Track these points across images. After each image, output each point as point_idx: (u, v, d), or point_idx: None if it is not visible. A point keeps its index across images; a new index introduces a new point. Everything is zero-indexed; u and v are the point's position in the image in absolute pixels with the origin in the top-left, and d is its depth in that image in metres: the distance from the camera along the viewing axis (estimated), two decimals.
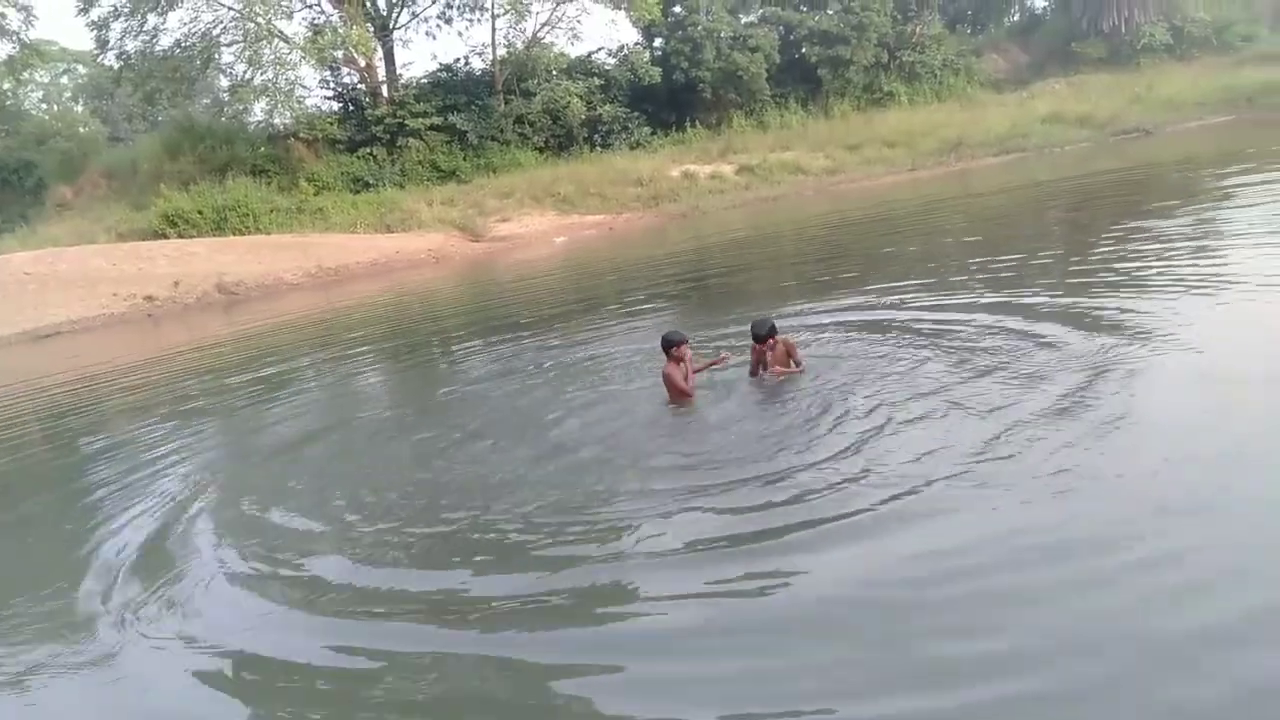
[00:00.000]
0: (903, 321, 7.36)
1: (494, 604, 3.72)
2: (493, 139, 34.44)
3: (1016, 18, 50.92)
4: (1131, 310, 6.40)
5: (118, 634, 3.99)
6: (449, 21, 37.64)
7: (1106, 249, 9.56)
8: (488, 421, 6.64)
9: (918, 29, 40.95)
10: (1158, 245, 9.00)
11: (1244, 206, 11.05)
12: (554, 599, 3.66)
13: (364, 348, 12.21)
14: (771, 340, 5.99)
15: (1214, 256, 8.16)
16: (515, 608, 3.67)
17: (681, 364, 5.79)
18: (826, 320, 7.95)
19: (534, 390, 7.37)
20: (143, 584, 4.54)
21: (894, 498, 3.96)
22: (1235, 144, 20.52)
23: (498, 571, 4.02)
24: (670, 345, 5.76)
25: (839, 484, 4.20)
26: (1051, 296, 7.36)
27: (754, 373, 6.17)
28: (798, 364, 6.10)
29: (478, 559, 4.17)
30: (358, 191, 31.04)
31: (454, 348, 11.06)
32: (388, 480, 5.59)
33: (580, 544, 4.09)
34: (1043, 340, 5.98)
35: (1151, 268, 7.89)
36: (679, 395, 5.83)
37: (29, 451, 8.70)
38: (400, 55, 40.59)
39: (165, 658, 3.72)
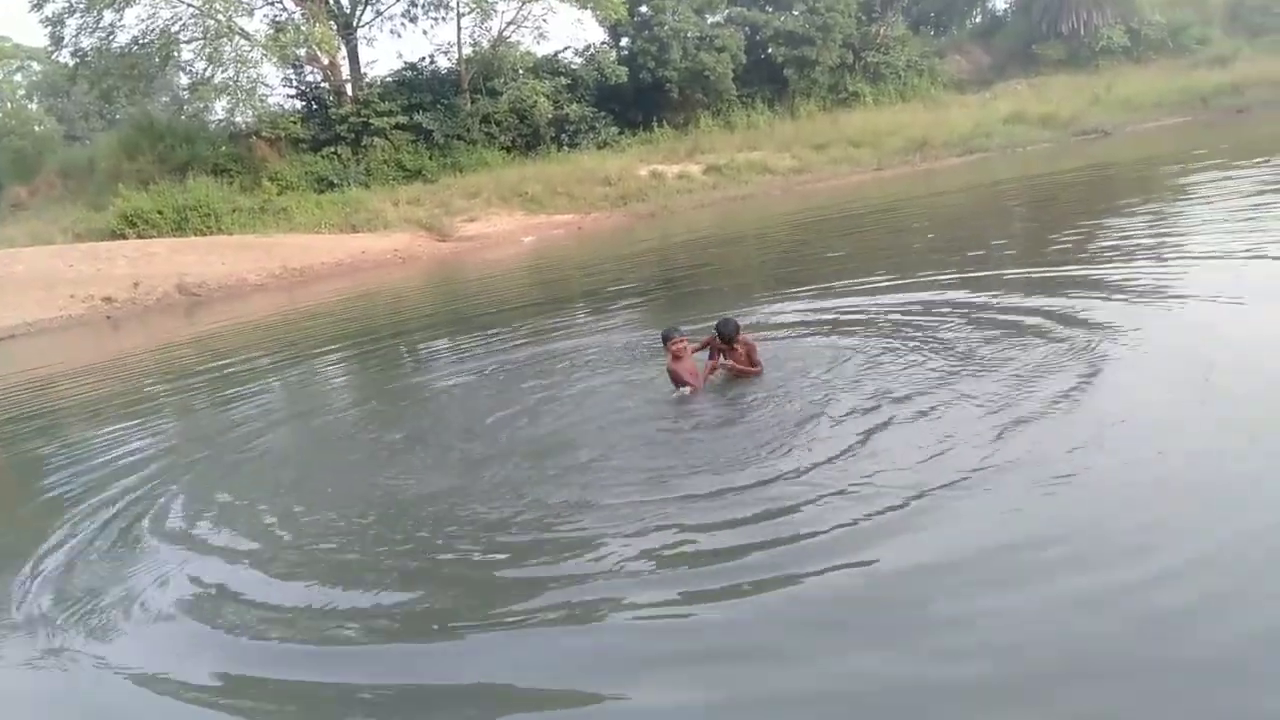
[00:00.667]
0: (873, 318, 7.39)
1: (453, 624, 3.47)
2: (459, 138, 34.21)
3: (978, 20, 51.60)
4: (1100, 306, 6.43)
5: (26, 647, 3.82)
6: (414, 20, 37.40)
7: (1073, 245, 9.69)
8: (445, 424, 6.57)
9: (882, 30, 41.38)
10: (1123, 242, 9.15)
11: (1202, 202, 11.31)
12: (512, 617, 3.43)
13: (327, 348, 12.04)
14: (737, 340, 5.97)
15: (1175, 255, 8.29)
16: (477, 624, 3.47)
17: (681, 358, 5.91)
18: (794, 318, 7.99)
19: (501, 389, 7.30)
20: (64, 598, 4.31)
21: (885, 509, 3.71)
22: (1190, 143, 20.94)
23: (458, 588, 3.79)
24: (665, 340, 5.94)
25: (823, 495, 3.96)
26: (1022, 294, 7.42)
27: (711, 371, 6.08)
28: (755, 365, 6.02)
29: (439, 574, 3.93)
30: (322, 191, 30.69)
31: (419, 347, 10.94)
32: (337, 488, 5.38)
33: (547, 557, 3.85)
34: (1023, 334, 5.99)
35: (1119, 264, 8.01)
36: (682, 383, 5.93)
37: None
38: (365, 53, 40.18)
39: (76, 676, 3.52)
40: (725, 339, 5.94)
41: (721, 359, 6.00)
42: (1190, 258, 7.84)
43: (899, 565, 3.33)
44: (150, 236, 25.83)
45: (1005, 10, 49.89)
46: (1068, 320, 6.10)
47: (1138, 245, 8.76)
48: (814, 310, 8.21)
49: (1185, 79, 35.84)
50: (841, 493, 3.95)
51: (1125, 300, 6.52)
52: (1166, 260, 7.80)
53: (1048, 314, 6.37)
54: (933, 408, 4.86)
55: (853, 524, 3.65)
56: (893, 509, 3.72)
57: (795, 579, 3.31)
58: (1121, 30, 41.02)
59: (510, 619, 3.41)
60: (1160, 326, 5.75)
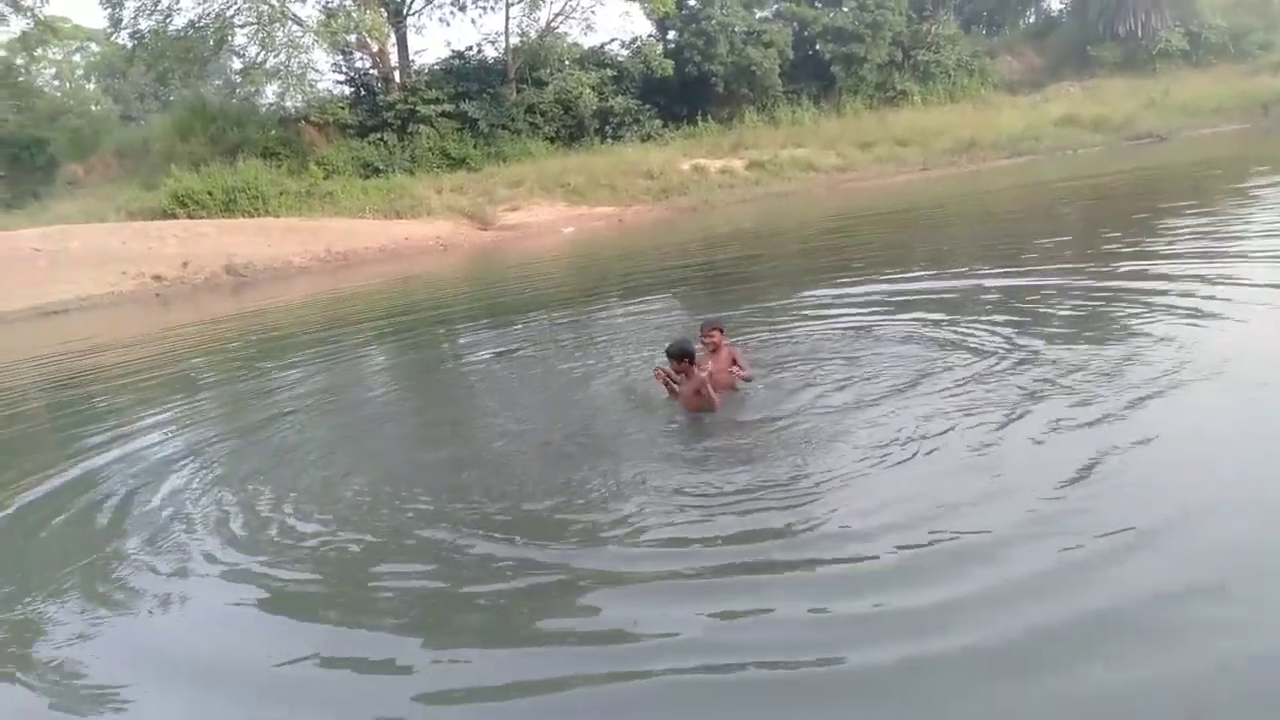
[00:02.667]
0: (916, 320, 7.32)
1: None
2: (504, 128, 34.38)
3: (1032, 20, 50.78)
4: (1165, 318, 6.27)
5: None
6: (463, 9, 37.62)
7: (1127, 248, 9.51)
8: (484, 410, 6.64)
9: (933, 28, 40.80)
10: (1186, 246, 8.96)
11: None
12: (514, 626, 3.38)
13: (369, 332, 12.21)
14: (713, 340, 5.65)
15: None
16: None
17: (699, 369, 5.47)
18: (831, 316, 7.94)
19: (540, 376, 7.36)
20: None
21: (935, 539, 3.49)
22: (1250, 151, 20.39)
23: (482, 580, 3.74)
24: (684, 356, 5.43)
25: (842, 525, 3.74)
26: (1075, 300, 7.28)
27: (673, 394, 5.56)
28: (743, 374, 5.66)
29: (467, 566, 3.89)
30: (367, 177, 31.03)
31: (460, 339, 11.04)
32: (376, 471, 5.37)
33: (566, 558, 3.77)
34: (1069, 347, 5.88)
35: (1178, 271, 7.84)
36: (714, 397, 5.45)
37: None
38: (413, 41, 40.55)
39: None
40: (676, 357, 5.40)
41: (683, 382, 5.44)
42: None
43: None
44: (200, 217, 26.32)
45: (1060, 11, 49.10)
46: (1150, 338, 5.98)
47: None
48: (854, 308, 8.15)
49: (1246, 85, 34.89)
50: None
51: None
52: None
53: (1108, 321, 6.26)
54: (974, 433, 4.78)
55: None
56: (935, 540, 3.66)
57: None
58: (1181, 33, 40.04)
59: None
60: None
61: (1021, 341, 5.99)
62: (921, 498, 3.83)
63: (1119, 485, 3.71)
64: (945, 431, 4.54)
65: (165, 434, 7.02)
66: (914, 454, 4.31)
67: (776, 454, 4.58)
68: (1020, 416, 4.62)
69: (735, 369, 5.69)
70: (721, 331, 5.74)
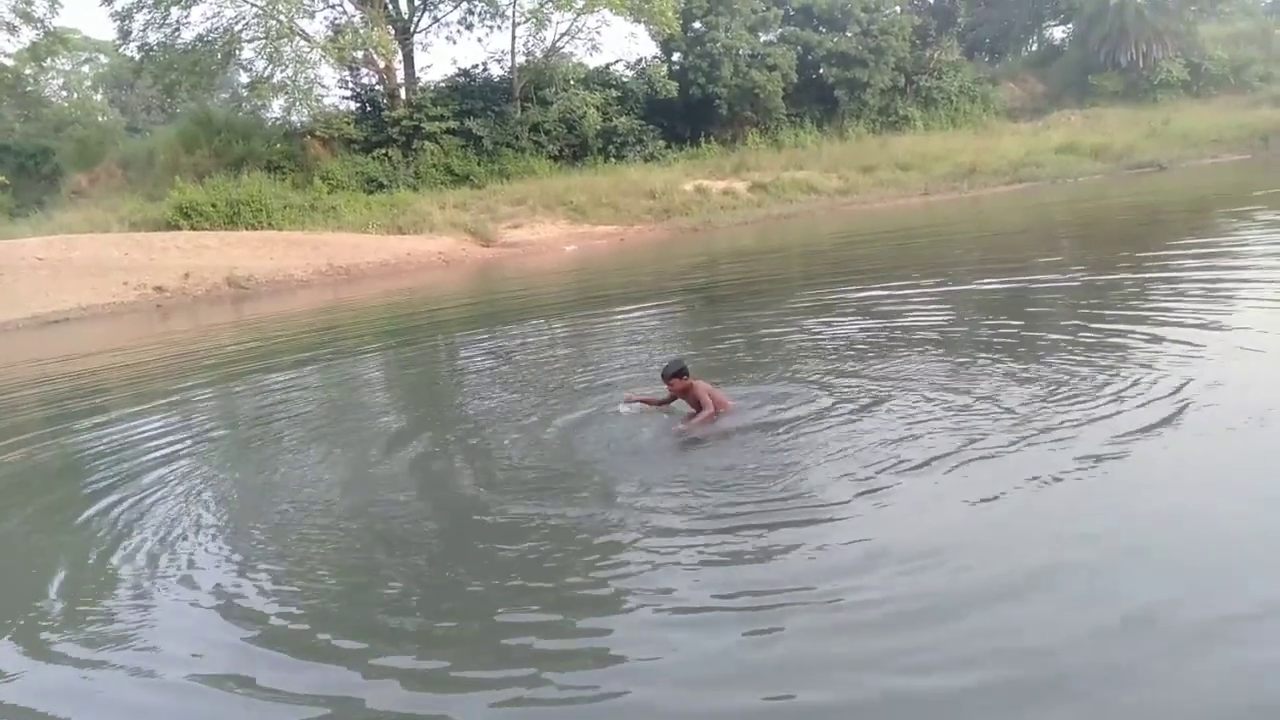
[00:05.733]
0: (920, 338, 7.34)
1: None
2: (508, 145, 34.56)
3: (1034, 48, 51.19)
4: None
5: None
6: (470, 27, 37.87)
7: (1131, 276, 9.55)
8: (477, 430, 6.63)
9: (936, 55, 41.13)
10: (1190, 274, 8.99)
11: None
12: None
13: (367, 346, 12.22)
14: (680, 383, 5.64)
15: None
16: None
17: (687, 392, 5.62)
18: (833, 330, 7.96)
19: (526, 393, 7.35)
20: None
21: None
22: (1248, 181, 20.51)
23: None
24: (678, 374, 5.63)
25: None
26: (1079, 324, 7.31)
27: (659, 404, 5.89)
28: (707, 409, 5.56)
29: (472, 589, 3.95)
30: (371, 192, 31.17)
31: (459, 354, 11.06)
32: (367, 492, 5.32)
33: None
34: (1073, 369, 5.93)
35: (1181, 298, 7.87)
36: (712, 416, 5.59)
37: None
38: (420, 58, 40.70)
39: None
40: (664, 378, 5.68)
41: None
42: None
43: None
44: (203, 229, 26.39)
45: (1062, 40, 49.49)
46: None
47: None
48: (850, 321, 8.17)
49: (1246, 116, 35.17)
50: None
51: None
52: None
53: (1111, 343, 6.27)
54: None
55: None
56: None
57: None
58: (1182, 64, 40.40)
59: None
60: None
61: (1030, 366, 6.00)
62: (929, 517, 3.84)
63: (1122, 501, 3.72)
64: (952, 451, 4.54)
65: (160, 435, 7.02)
66: (926, 470, 4.32)
67: (786, 471, 4.61)
68: (1030, 440, 4.61)
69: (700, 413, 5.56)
70: (680, 376, 5.63)
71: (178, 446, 6.95)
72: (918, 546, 3.60)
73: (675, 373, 5.64)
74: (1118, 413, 4.84)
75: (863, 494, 4.21)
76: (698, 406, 5.57)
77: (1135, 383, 5.29)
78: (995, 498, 4.00)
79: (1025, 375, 5.81)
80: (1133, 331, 6.61)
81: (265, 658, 3.40)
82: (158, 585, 4.20)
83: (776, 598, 3.34)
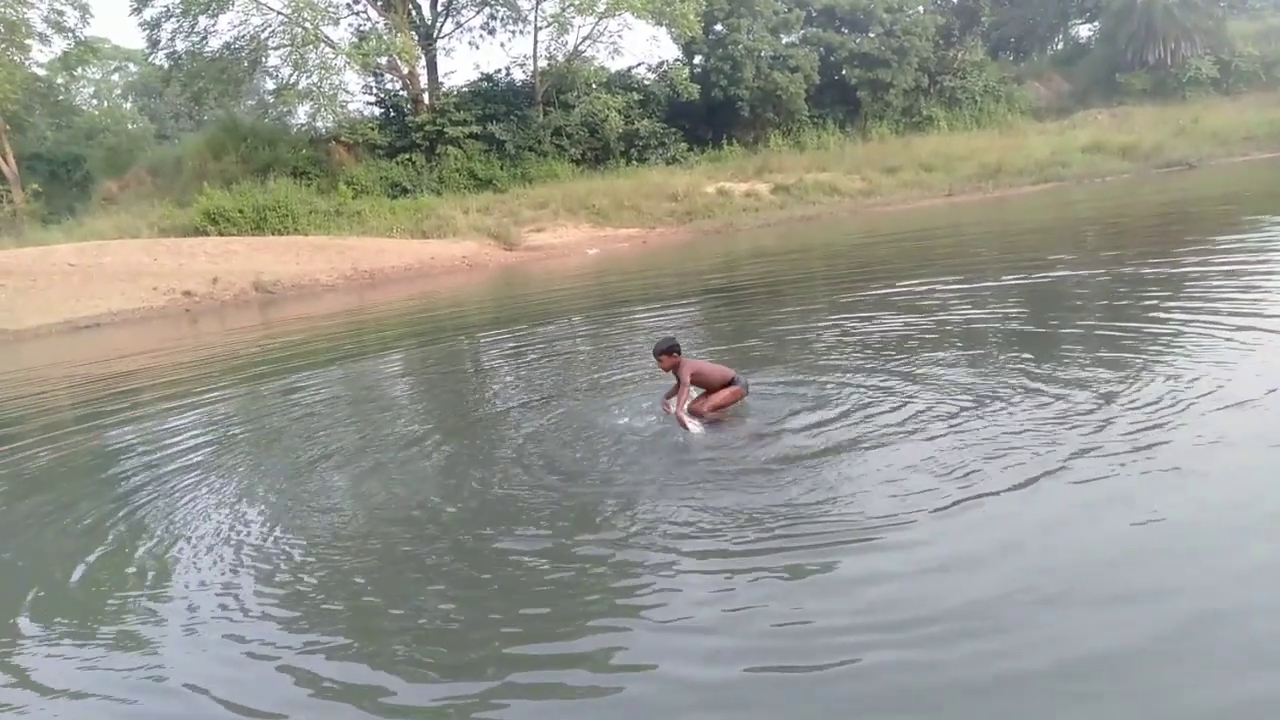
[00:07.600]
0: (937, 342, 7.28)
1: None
2: (530, 149, 34.70)
3: (1060, 47, 50.65)
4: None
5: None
6: (492, 32, 38.15)
7: (1151, 279, 9.41)
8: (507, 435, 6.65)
9: (960, 55, 40.84)
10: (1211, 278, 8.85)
11: None
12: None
13: (393, 348, 12.30)
14: (669, 360, 5.62)
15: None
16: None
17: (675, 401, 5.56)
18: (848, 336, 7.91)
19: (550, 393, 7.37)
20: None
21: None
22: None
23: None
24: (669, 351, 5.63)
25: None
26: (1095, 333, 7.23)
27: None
28: (683, 389, 5.55)
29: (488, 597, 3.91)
30: (395, 197, 31.39)
31: (482, 357, 11.10)
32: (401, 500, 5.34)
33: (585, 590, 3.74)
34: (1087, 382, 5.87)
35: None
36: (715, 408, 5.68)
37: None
38: (443, 64, 41.10)
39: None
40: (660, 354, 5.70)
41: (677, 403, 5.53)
42: None
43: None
44: (230, 234, 26.71)
45: (1088, 38, 48.92)
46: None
47: None
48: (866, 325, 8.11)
49: (1277, 113, 34.57)
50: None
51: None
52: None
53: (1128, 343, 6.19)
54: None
55: None
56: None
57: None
58: (1211, 61, 39.82)
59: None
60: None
61: (1057, 370, 5.93)
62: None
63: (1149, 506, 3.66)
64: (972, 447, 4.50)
65: (187, 436, 7.10)
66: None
67: (799, 465, 4.58)
68: (1057, 445, 4.55)
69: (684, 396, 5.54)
70: (669, 353, 5.63)
71: (205, 447, 7.04)
72: (943, 552, 3.58)
73: (665, 349, 5.65)
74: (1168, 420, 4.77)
75: (891, 497, 4.19)
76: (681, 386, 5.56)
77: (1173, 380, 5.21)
78: (1016, 501, 3.97)
79: (1043, 374, 5.75)
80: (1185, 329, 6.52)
81: (274, 660, 3.45)
82: (174, 585, 4.29)
83: (785, 600, 3.36)
